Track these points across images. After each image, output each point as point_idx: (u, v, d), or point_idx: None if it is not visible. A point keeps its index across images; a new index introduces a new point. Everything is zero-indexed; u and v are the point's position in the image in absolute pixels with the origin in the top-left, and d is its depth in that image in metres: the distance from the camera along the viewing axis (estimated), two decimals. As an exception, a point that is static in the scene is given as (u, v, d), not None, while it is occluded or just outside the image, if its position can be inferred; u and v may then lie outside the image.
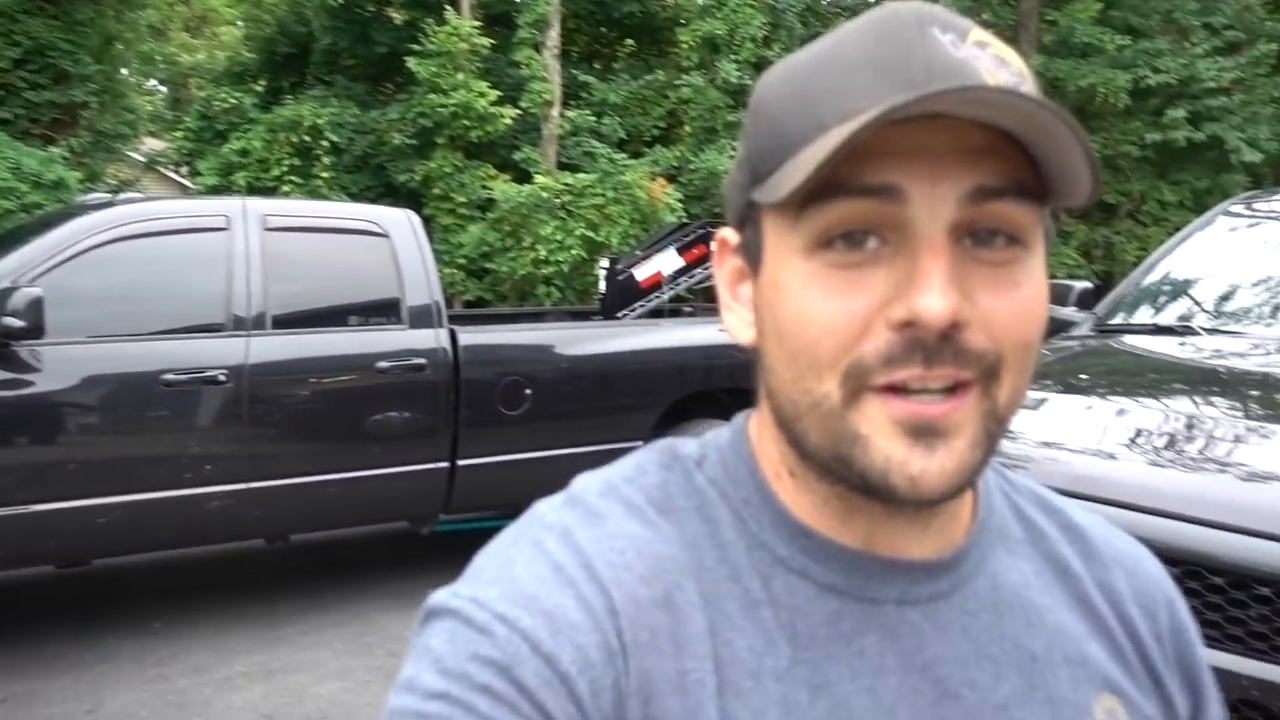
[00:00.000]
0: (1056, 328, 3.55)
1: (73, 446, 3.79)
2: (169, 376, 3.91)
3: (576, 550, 0.57)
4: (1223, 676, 1.64)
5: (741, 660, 0.56)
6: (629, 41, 16.15)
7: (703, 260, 6.15)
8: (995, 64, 0.53)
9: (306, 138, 12.06)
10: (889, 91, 0.50)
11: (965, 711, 0.58)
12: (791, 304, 0.54)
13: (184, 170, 14.98)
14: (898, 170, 0.51)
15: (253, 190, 11.27)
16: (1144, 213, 15.49)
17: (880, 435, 0.53)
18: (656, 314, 6.41)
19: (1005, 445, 2.15)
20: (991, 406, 0.54)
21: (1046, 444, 2.15)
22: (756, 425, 0.65)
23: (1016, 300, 0.53)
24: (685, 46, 13.83)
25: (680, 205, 12.09)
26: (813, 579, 0.59)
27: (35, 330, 3.58)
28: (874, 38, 0.53)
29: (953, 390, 0.52)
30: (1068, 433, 2.20)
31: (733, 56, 13.13)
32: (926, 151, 0.51)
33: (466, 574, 0.58)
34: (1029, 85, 0.54)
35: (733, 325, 0.63)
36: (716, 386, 5.33)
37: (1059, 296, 3.78)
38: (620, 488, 0.62)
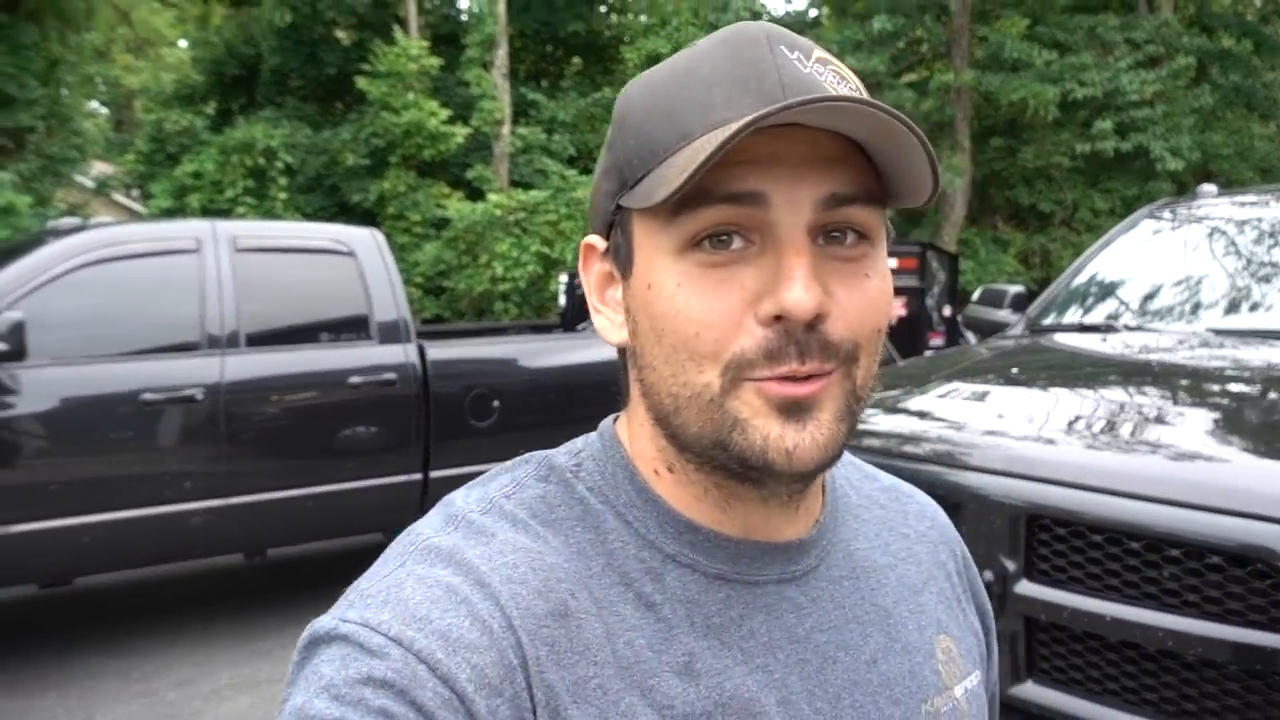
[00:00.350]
0: (992, 328, 3.80)
1: (55, 466, 3.88)
2: (147, 396, 4.01)
3: (468, 569, 0.57)
4: (1143, 630, 1.86)
5: (643, 659, 0.58)
6: (575, 60, 16.38)
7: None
8: (837, 80, 0.58)
9: (261, 159, 12.09)
10: (749, 104, 0.55)
11: (844, 672, 0.64)
12: (666, 302, 0.58)
13: (135, 194, 14.89)
14: (760, 177, 0.56)
15: (207, 212, 11.26)
16: (1077, 220, 16.04)
17: (756, 416, 0.57)
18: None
19: (952, 434, 2.37)
20: (851, 386, 0.59)
21: (990, 432, 2.36)
22: (628, 427, 0.67)
23: (869, 292, 0.59)
24: (630, 64, 14.08)
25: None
26: (702, 571, 0.62)
27: (17, 353, 3.68)
28: (728, 54, 0.58)
29: (815, 375, 0.58)
30: (1009, 421, 2.42)
31: (679, 74, 13.41)
32: (786, 160, 0.56)
33: (349, 599, 0.57)
34: (866, 97, 0.59)
35: (603, 327, 0.65)
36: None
37: (994, 300, 4.04)
38: (501, 503, 0.62)
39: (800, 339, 0.56)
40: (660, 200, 0.55)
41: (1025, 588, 2.06)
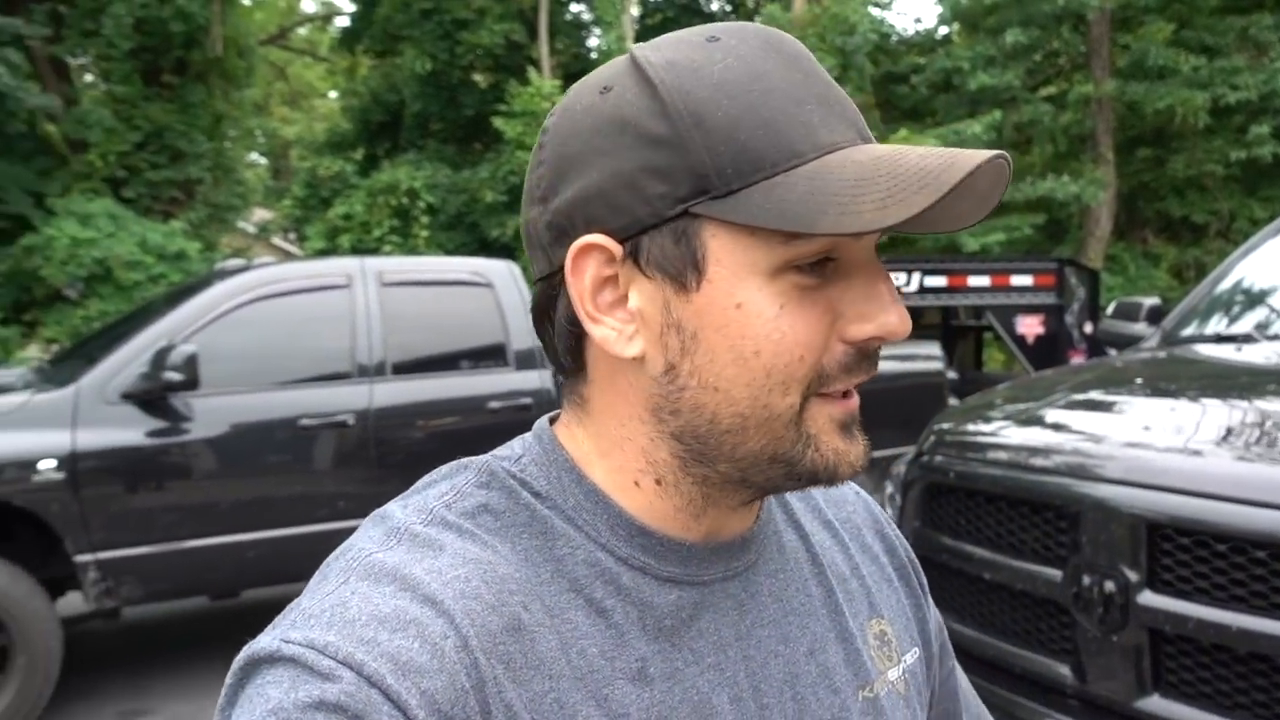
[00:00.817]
0: (1127, 342, 3.71)
1: (224, 487, 4.21)
2: (304, 422, 4.32)
3: (416, 586, 0.54)
4: (1271, 641, 1.82)
5: (597, 668, 0.57)
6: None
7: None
8: None
9: (404, 199, 12.71)
10: (842, 128, 0.57)
11: (785, 664, 0.64)
12: (768, 324, 0.56)
13: (292, 236, 15.86)
14: None
15: (356, 251, 11.91)
16: (1235, 231, 15.21)
17: (825, 434, 0.59)
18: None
19: (1074, 445, 2.36)
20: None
21: (1131, 444, 2.30)
22: (589, 439, 0.64)
23: None
24: (759, 92, 14.16)
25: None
26: (653, 574, 0.61)
27: (191, 383, 4.02)
28: (789, 66, 0.57)
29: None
30: (1130, 431, 2.39)
31: (806, 99, 13.41)
32: None
33: (289, 619, 0.54)
34: None
35: (607, 339, 0.59)
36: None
37: (1129, 313, 3.92)
38: (443, 513, 0.60)
39: (872, 354, 0.59)
40: (862, 230, 0.52)
41: (1148, 598, 2.04)
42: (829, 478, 0.59)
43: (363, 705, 0.49)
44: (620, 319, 0.59)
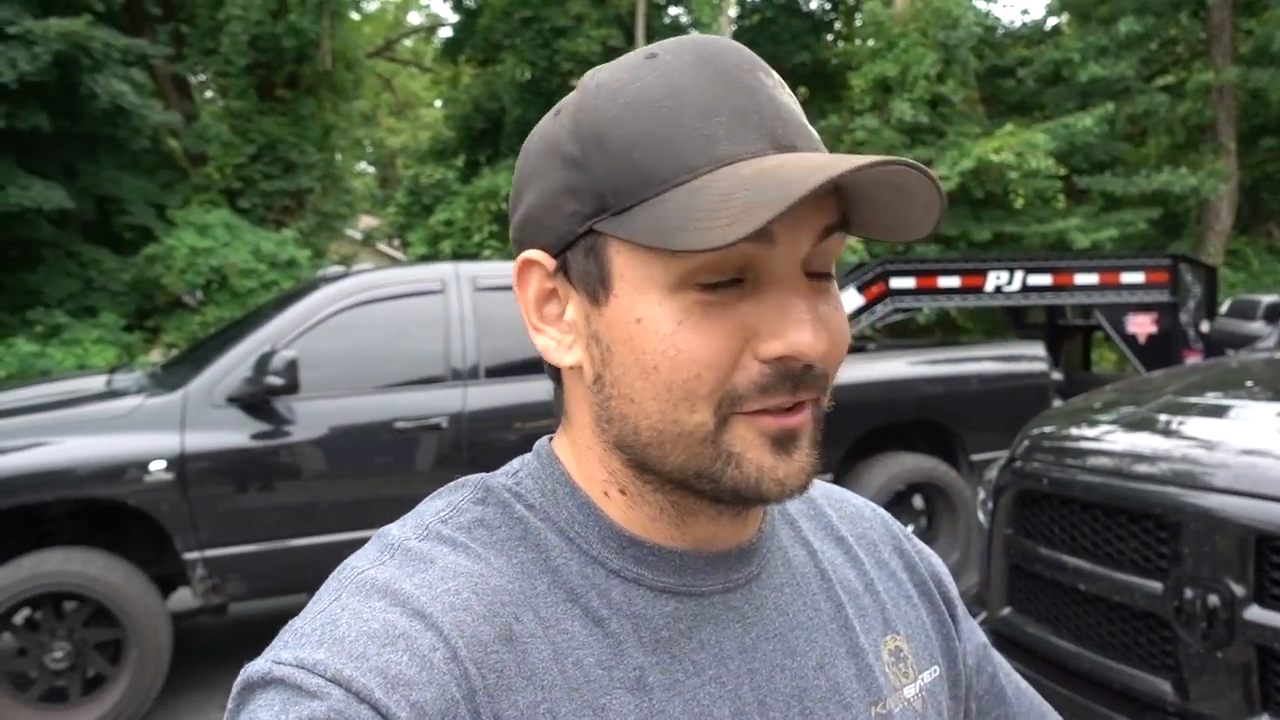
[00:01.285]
0: (1242, 342, 3.52)
1: (324, 487, 4.34)
2: (400, 425, 4.42)
3: (406, 600, 0.55)
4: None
5: (593, 678, 0.57)
6: (802, 89, 16.42)
7: (881, 297, 6.28)
8: (793, 100, 0.59)
9: (504, 205, 12.93)
10: (752, 139, 0.55)
11: (792, 679, 0.63)
12: (664, 340, 0.56)
13: (396, 243, 16.30)
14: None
15: (457, 256, 12.17)
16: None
17: (750, 450, 0.57)
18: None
19: (1179, 452, 2.24)
20: (820, 413, 0.61)
21: (1243, 451, 2.18)
22: (570, 448, 0.65)
23: (839, 325, 0.60)
24: (857, 90, 13.97)
25: (861, 247, 12.17)
26: (647, 585, 0.61)
27: (292, 387, 4.15)
28: (715, 79, 0.56)
29: (797, 405, 0.58)
30: (1241, 438, 2.26)
31: (906, 95, 13.17)
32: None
33: (283, 639, 0.55)
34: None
35: (548, 347, 0.63)
36: (901, 420, 5.43)
37: (1246, 311, 3.73)
38: (439, 529, 0.61)
39: (796, 374, 0.57)
40: (707, 248, 0.51)
41: (1256, 614, 1.92)
42: (755, 496, 0.58)
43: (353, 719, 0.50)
44: (561, 330, 0.62)
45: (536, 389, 4.80)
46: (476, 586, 0.57)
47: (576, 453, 0.64)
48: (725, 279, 0.56)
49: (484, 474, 0.66)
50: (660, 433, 0.58)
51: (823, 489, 0.79)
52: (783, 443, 0.58)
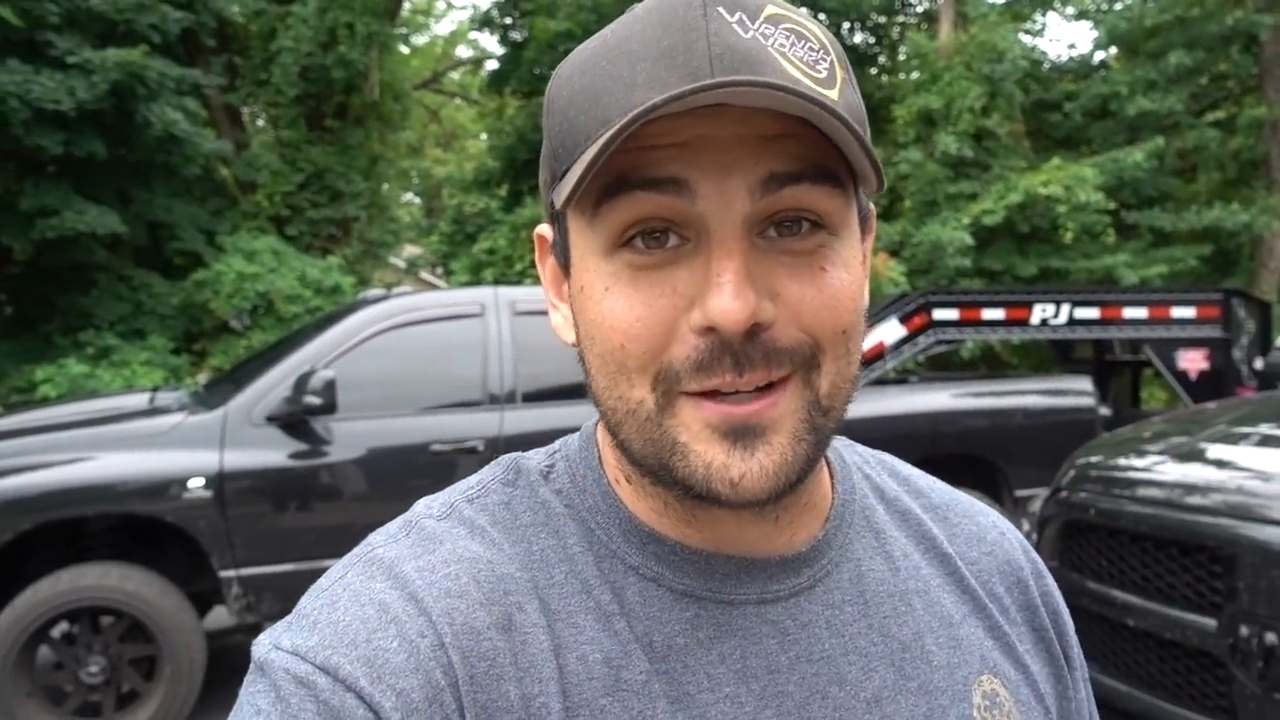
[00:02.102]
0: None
1: (359, 508, 4.34)
2: (436, 447, 4.41)
3: (403, 583, 0.54)
4: None
5: (596, 676, 0.54)
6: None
7: (924, 329, 6.20)
8: (790, 40, 0.50)
9: (544, 234, 13.00)
10: (673, 81, 0.48)
11: (834, 709, 0.56)
12: (595, 307, 0.53)
13: (439, 271, 16.46)
14: (683, 162, 0.49)
15: (498, 284, 12.25)
16: None
17: (697, 441, 0.51)
18: (880, 383, 6.50)
19: (1230, 483, 2.16)
20: (814, 397, 0.52)
21: (1273, 480, 2.13)
22: (599, 431, 0.62)
23: (827, 286, 0.52)
24: (901, 122, 13.93)
25: (904, 279, 12.08)
26: (667, 585, 0.57)
27: (330, 407, 4.16)
28: (659, 23, 0.50)
29: (766, 387, 0.51)
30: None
31: (950, 129, 13.11)
32: (714, 142, 0.49)
33: (290, 618, 0.55)
34: (831, 57, 0.51)
35: (558, 324, 0.60)
36: (943, 453, 5.34)
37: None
38: (462, 508, 0.59)
39: (737, 349, 0.50)
40: (566, 195, 0.49)
41: (1317, 652, 1.84)
42: (707, 495, 0.52)
43: (338, 708, 0.50)
44: (568, 306, 0.59)
45: (575, 414, 4.78)
46: (479, 573, 0.55)
47: (602, 435, 0.61)
48: (658, 240, 0.51)
49: (522, 453, 0.64)
50: (614, 410, 0.54)
51: (946, 496, 0.70)
52: (737, 434, 0.51)
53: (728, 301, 0.48)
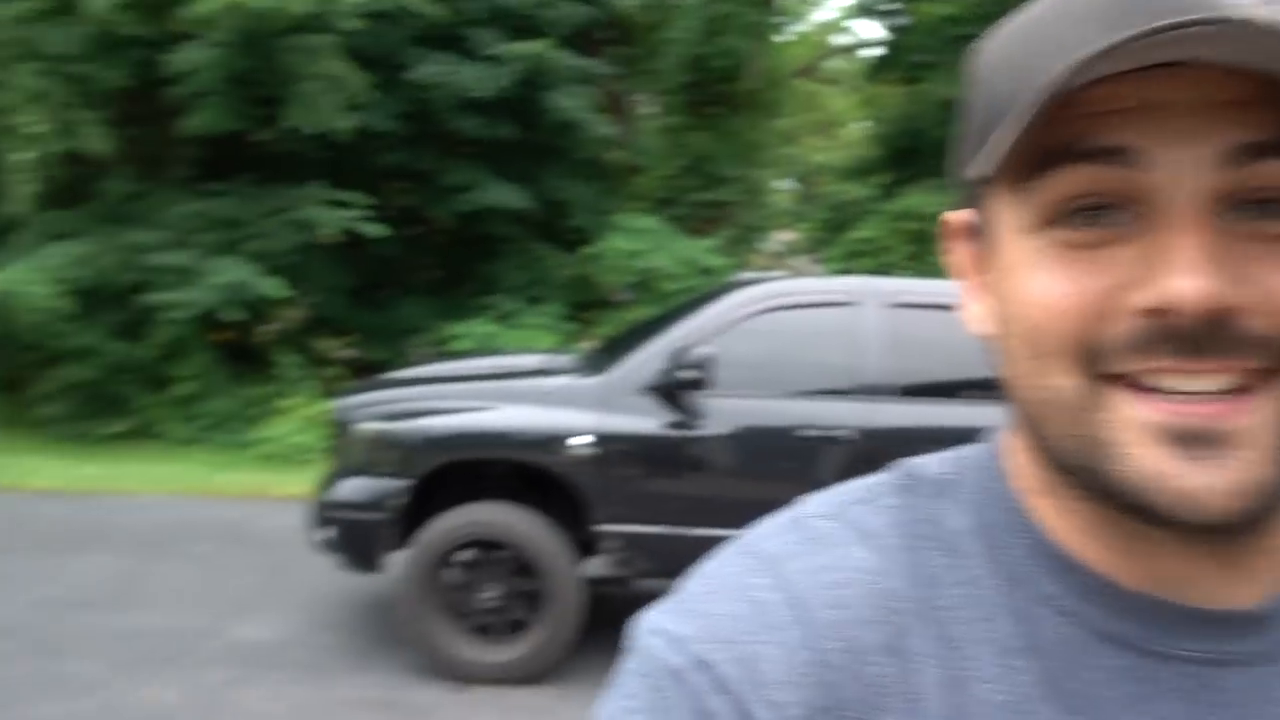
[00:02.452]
0: None
1: (727, 483, 4.46)
2: (804, 432, 4.43)
3: (787, 585, 0.50)
4: None
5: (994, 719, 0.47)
6: None
7: None
8: None
9: (922, 225, 12.61)
10: (1127, 26, 0.40)
11: None
12: (1019, 286, 0.47)
13: (811, 258, 16.57)
14: (1134, 129, 0.43)
15: (874, 275, 12.06)
16: None
17: (1134, 445, 0.44)
18: None
19: None
20: None
21: None
22: (1008, 438, 0.55)
23: None
24: None
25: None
26: (1089, 626, 0.48)
27: (704, 383, 4.31)
28: None
29: (1235, 390, 0.43)
30: None
31: None
32: (1173, 106, 0.42)
33: (674, 596, 0.53)
34: None
35: (973, 316, 0.54)
36: None
37: None
38: (849, 510, 0.54)
39: (1180, 335, 0.42)
40: (994, 163, 0.43)
41: None
42: (1142, 505, 0.43)
43: (713, 712, 0.47)
44: (983, 297, 0.53)
45: (954, 414, 4.59)
46: (866, 585, 0.50)
47: (1012, 444, 0.54)
48: (1095, 217, 0.44)
49: (918, 458, 0.58)
50: (1035, 401, 0.47)
51: None
52: (1187, 441, 0.43)
53: (1187, 279, 0.41)
